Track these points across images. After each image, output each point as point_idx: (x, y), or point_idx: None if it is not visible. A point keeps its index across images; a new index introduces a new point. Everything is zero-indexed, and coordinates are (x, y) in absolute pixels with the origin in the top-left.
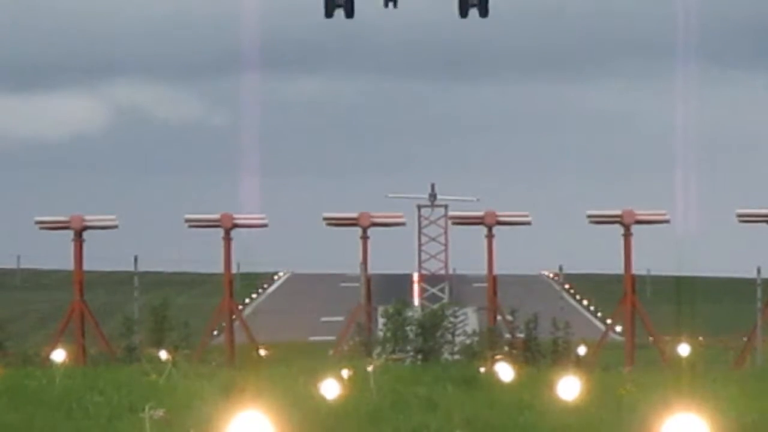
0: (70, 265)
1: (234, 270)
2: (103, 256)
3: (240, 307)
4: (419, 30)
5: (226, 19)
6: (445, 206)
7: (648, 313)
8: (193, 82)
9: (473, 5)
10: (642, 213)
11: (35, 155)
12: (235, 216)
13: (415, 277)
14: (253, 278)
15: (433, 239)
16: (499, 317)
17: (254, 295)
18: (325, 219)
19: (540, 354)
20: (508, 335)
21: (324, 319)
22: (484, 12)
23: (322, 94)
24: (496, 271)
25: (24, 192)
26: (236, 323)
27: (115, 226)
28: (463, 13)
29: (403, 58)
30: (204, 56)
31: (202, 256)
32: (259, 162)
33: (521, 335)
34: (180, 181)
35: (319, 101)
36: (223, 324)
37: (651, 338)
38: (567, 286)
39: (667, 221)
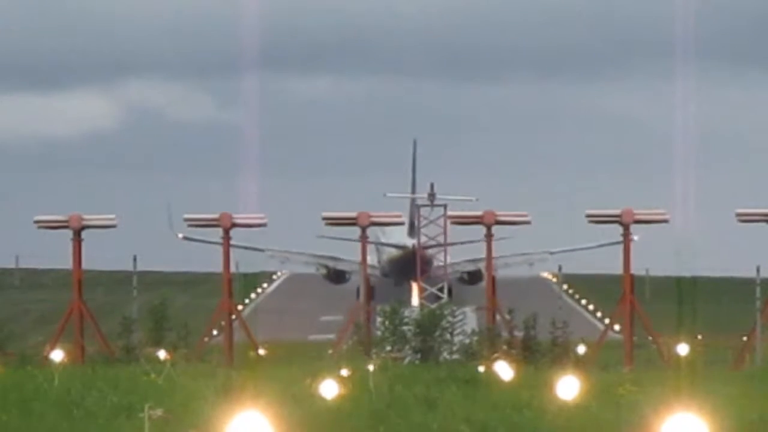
0: (69, 264)
1: (233, 269)
2: (102, 256)
3: (239, 306)
4: (421, 32)
5: (232, 19)
6: (444, 206)
7: (647, 312)
8: (197, 82)
9: (442, 297)
10: (641, 212)
11: (38, 154)
12: (235, 216)
13: None
14: (253, 278)
15: (432, 239)
16: (498, 317)
17: (253, 295)
18: (325, 218)
19: (539, 353)
20: (506, 335)
21: (323, 318)
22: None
23: (323, 95)
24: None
25: (23, 191)
26: (235, 323)
27: (114, 226)
28: (434, 301)
29: (403, 58)
30: (211, 56)
31: (202, 255)
32: (260, 161)
33: (520, 335)
34: (180, 181)
35: (320, 101)
36: (223, 323)
37: (650, 338)
38: (566, 286)
39: (666, 221)
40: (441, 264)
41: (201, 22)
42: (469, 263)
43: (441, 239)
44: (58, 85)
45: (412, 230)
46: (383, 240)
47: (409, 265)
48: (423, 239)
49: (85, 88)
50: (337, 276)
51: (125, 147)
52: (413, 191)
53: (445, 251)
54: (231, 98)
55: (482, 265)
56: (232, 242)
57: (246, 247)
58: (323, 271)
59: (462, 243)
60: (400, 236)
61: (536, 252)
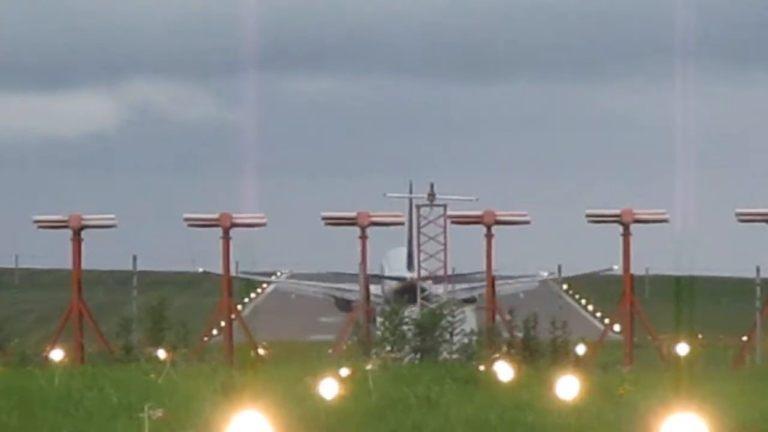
0: (68, 264)
1: (233, 269)
2: (101, 256)
3: (239, 306)
4: (420, 32)
5: (233, 19)
6: (444, 206)
7: (647, 312)
8: (197, 82)
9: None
10: (641, 212)
11: (38, 154)
12: (234, 215)
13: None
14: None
15: (432, 239)
16: (498, 317)
17: (253, 295)
18: (324, 218)
19: (539, 353)
20: (506, 334)
21: (323, 318)
22: None
23: (323, 95)
24: (494, 270)
25: (23, 191)
26: (235, 323)
27: (114, 225)
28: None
29: (403, 59)
30: (212, 56)
31: (202, 256)
32: (260, 161)
33: (520, 335)
34: (180, 181)
35: (321, 101)
36: (222, 323)
37: (650, 337)
38: (566, 287)
39: (666, 220)
40: (439, 293)
41: (202, 23)
42: (465, 291)
43: (441, 239)
44: (58, 85)
45: (411, 262)
46: (386, 272)
47: (408, 295)
48: (422, 265)
49: (85, 88)
50: (344, 304)
51: (126, 147)
52: (410, 226)
53: (445, 252)
54: (232, 98)
55: (477, 293)
56: (241, 274)
57: (258, 280)
58: (332, 300)
59: (462, 275)
60: (401, 268)
61: (529, 275)
